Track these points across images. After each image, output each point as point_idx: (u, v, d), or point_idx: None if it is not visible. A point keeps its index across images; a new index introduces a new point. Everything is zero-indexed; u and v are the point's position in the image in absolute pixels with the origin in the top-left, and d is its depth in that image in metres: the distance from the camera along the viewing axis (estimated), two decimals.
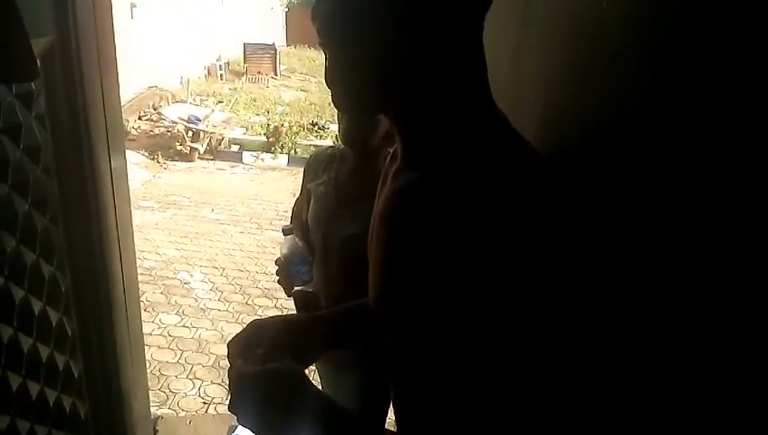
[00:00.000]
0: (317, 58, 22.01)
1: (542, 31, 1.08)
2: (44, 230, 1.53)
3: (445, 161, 0.72)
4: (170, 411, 3.65)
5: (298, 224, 2.14)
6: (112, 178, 1.79)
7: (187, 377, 4.08)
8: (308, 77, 18.62)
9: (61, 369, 1.63)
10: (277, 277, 2.03)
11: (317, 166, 2.05)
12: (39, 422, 1.52)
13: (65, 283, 1.64)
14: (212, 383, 4.00)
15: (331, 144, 2.54)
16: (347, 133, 1.85)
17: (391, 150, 0.93)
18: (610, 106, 0.78)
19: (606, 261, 0.77)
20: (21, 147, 1.42)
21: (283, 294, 5.80)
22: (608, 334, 0.76)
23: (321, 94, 16.05)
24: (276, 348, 0.94)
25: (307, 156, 9.83)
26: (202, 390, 3.93)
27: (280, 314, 5.08)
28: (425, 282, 0.69)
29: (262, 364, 0.85)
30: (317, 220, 1.95)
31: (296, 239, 1.85)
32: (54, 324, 1.59)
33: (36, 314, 1.51)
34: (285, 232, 1.89)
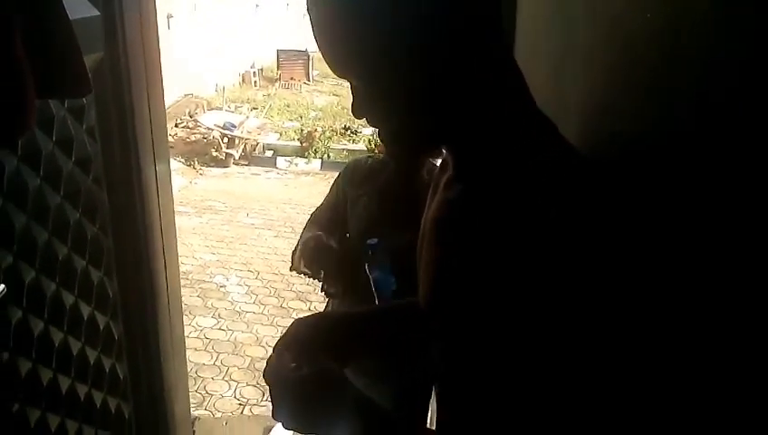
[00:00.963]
0: None
1: (584, 35, 1.09)
2: (94, 238, 1.60)
3: (494, 171, 0.75)
4: (207, 413, 3.72)
5: (327, 226, 2.11)
6: (158, 187, 1.85)
7: (222, 379, 4.16)
8: (340, 82, 18.72)
9: (107, 371, 1.69)
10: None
11: (357, 176, 2.04)
12: (86, 422, 1.59)
13: (112, 288, 1.71)
14: (247, 385, 4.07)
15: (370, 154, 2.47)
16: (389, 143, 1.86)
17: (439, 161, 0.95)
18: (651, 112, 0.80)
19: (651, 266, 0.78)
20: (73, 159, 1.48)
21: (313, 296, 5.78)
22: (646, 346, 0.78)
23: None
24: (314, 346, 0.97)
25: (341, 160, 9.84)
26: (238, 391, 4.00)
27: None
28: (475, 285, 0.72)
29: (299, 364, 0.87)
30: (359, 230, 1.94)
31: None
32: (102, 328, 1.66)
33: (85, 318, 1.57)
34: (372, 247, 1.75)
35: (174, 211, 2.09)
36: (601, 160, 0.89)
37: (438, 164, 0.96)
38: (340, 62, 0.72)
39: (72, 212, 1.50)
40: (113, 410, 1.72)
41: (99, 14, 1.52)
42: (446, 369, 0.87)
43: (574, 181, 0.73)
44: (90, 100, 1.54)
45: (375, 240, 1.70)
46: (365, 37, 0.68)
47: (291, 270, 1.97)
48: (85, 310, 1.57)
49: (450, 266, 0.79)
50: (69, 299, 1.50)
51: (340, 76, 0.74)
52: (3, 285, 1.19)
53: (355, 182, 2.03)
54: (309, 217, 2.16)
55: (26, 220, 1.33)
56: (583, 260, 0.68)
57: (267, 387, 0.89)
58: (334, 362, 0.91)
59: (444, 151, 0.88)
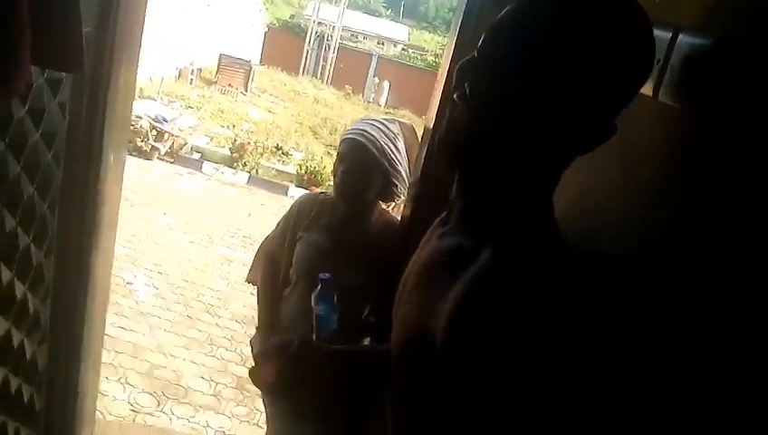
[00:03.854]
0: (288, 82, 22.10)
1: None
2: (41, 216, 1.52)
3: (495, 233, 0.80)
4: (97, 413, 3.52)
5: (270, 260, 2.09)
6: (111, 174, 1.78)
7: (118, 380, 3.95)
8: (277, 99, 18.63)
9: (28, 357, 1.59)
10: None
11: (307, 211, 2.01)
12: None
13: (48, 271, 1.62)
14: (143, 392, 3.88)
15: (321, 191, 2.46)
16: (343, 185, 1.87)
17: (441, 216, 0.98)
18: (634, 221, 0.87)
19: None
20: (39, 131, 1.42)
21: (223, 312, 5.66)
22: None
23: (287, 119, 16.09)
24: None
25: (268, 178, 9.69)
26: (132, 396, 3.81)
27: (220, 330, 4.97)
28: (458, 334, 0.75)
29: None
30: (308, 265, 1.90)
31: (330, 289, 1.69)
32: (31, 312, 1.56)
33: (18, 298, 1.48)
34: (323, 281, 1.68)
35: (119, 204, 2.02)
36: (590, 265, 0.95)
37: (439, 219, 1.00)
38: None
39: (27, 186, 1.42)
40: (26, 399, 1.62)
41: None
42: (411, 410, 0.89)
43: (561, 266, 0.78)
44: (67, 75, 1.48)
45: (327, 275, 1.69)
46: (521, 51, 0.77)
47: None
48: (19, 289, 1.48)
49: (436, 313, 0.81)
50: (6, 276, 1.41)
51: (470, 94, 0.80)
52: None
53: (304, 215, 2.01)
54: (260, 244, 2.19)
55: None
56: (557, 328, 0.73)
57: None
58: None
59: (454, 203, 0.91)
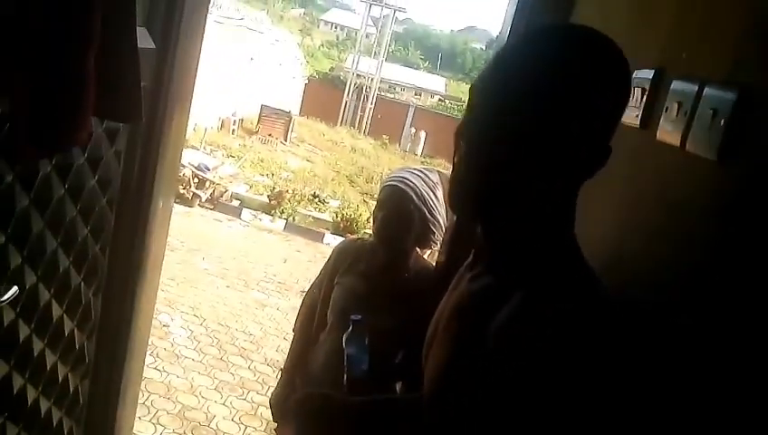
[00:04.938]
0: (326, 132, 22.54)
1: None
2: (93, 257, 1.61)
3: (522, 274, 0.84)
4: None
5: (307, 305, 2.17)
6: (158, 219, 1.88)
7: (150, 420, 4.01)
8: (315, 149, 19.01)
9: (71, 391, 1.66)
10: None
11: (344, 257, 2.07)
12: None
13: (96, 308, 1.71)
14: (174, 432, 3.93)
15: (359, 237, 2.51)
16: (382, 230, 1.93)
17: (468, 262, 1.02)
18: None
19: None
20: (96, 177, 1.52)
21: (256, 356, 5.69)
22: None
23: (325, 168, 16.36)
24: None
25: (304, 225, 9.78)
26: None
27: (252, 373, 4.99)
28: (488, 377, 0.79)
29: None
30: (343, 309, 1.93)
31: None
32: (77, 347, 1.64)
33: (66, 334, 1.56)
34: (354, 323, 1.71)
35: (165, 248, 2.11)
36: (623, 299, 0.97)
37: (466, 263, 1.03)
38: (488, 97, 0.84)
39: (82, 228, 1.52)
40: (66, 432, 1.68)
41: (154, 47, 1.59)
42: None
43: (587, 301, 0.81)
44: (125, 125, 1.58)
45: (358, 316, 1.73)
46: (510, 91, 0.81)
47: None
48: (68, 326, 1.56)
49: (468, 346, 0.85)
50: (57, 312, 1.50)
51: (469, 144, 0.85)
52: (15, 287, 1.20)
53: (342, 260, 2.07)
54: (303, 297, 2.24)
55: (42, 227, 1.34)
56: (579, 385, 0.76)
57: None
58: None
59: (480, 247, 0.96)
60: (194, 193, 10.00)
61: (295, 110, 23.41)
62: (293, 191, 11.58)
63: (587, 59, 0.81)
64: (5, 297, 1.18)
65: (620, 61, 0.83)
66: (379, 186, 2.02)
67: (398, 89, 31.07)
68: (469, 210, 0.90)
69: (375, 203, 2.02)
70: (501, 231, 0.89)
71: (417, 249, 2.03)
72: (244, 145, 16.18)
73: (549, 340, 0.75)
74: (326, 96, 26.57)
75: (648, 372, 0.90)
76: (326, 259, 2.16)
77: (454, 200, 0.89)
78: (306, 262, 8.92)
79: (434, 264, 1.97)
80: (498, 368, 0.78)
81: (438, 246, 1.97)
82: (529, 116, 0.80)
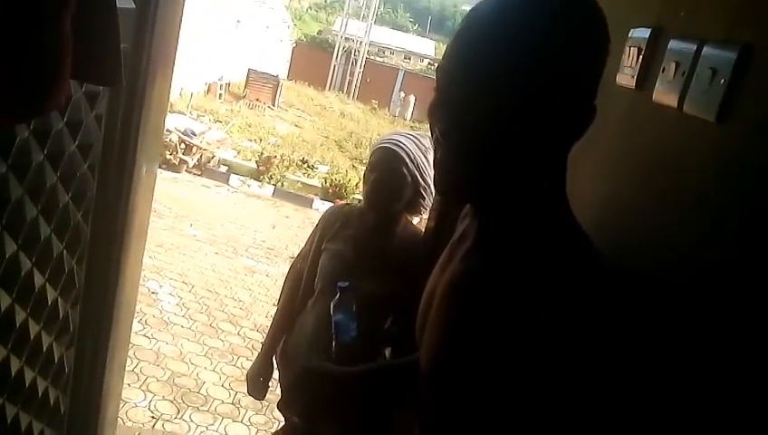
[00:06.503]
0: (314, 97, 22.33)
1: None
2: (75, 224, 1.57)
3: (515, 252, 0.81)
4: (117, 419, 3.58)
5: (294, 272, 2.16)
6: (142, 185, 1.84)
7: (139, 387, 4.02)
8: (304, 114, 18.83)
9: (56, 360, 1.64)
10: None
11: (332, 223, 2.05)
12: (24, 409, 1.53)
13: (79, 277, 1.67)
14: (164, 399, 3.95)
15: (347, 202, 2.50)
16: (373, 194, 1.91)
17: (459, 231, 1.00)
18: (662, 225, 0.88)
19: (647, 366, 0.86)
20: (76, 142, 1.47)
21: (245, 322, 5.72)
22: None
23: (314, 133, 16.25)
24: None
25: (293, 191, 9.81)
26: (153, 404, 3.87)
27: (242, 339, 5.03)
28: (483, 352, 0.77)
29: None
30: (331, 275, 1.93)
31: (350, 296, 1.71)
32: (61, 316, 1.61)
33: (49, 302, 1.53)
34: (342, 289, 1.70)
35: (149, 214, 2.08)
36: (621, 270, 0.95)
37: (457, 235, 1.01)
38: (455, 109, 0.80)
39: (63, 195, 1.48)
40: (52, 402, 1.66)
41: (134, 6, 1.53)
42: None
43: (583, 274, 0.79)
44: (105, 88, 1.54)
45: (346, 283, 1.72)
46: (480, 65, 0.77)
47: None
48: (51, 294, 1.53)
49: (462, 328, 0.83)
50: (39, 281, 1.46)
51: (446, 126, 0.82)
52: None
53: (329, 226, 2.05)
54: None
55: (21, 194, 1.30)
56: (574, 356, 0.75)
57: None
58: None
59: (467, 221, 0.94)
60: (181, 159, 9.91)
61: (283, 74, 23.14)
62: (282, 157, 11.50)
63: (560, 21, 0.77)
64: None
65: (594, 10, 0.79)
66: (368, 151, 1.99)
67: (387, 52, 30.73)
68: (460, 197, 0.89)
69: (365, 168, 1.99)
70: (493, 210, 0.86)
71: (407, 215, 2.01)
72: (232, 110, 16.01)
73: (545, 324, 0.73)
74: (314, 60, 26.26)
75: (644, 354, 0.89)
76: (315, 225, 2.14)
77: (443, 188, 0.86)
78: (295, 228, 8.90)
79: (422, 230, 1.95)
80: (494, 353, 0.76)
81: (427, 212, 1.95)
82: (510, 93, 0.76)
